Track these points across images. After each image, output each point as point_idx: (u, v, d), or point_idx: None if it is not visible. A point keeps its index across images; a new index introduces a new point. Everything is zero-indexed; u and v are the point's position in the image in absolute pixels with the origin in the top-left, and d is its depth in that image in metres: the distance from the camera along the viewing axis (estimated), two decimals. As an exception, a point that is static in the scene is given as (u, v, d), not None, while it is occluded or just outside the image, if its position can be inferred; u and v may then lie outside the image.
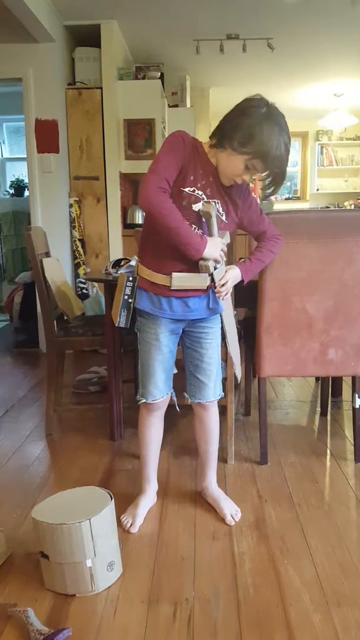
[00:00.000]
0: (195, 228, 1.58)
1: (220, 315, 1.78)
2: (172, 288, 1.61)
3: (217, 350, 1.79)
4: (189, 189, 1.56)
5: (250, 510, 1.86)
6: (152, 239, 1.63)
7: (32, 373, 3.65)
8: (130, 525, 1.76)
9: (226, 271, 1.66)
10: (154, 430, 1.84)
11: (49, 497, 1.60)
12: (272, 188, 1.57)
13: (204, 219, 1.58)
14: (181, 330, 1.75)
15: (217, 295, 1.66)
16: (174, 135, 1.57)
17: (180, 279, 1.60)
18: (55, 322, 2.59)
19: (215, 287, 1.65)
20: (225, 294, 1.68)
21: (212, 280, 1.63)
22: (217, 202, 1.61)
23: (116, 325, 1.72)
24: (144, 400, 1.78)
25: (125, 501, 1.89)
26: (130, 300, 1.70)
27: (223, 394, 1.86)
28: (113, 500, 1.52)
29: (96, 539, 1.43)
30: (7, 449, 2.44)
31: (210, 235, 1.59)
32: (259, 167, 1.52)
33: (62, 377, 2.83)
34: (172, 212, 1.49)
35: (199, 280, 1.62)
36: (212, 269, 1.58)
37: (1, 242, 5.92)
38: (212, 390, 1.80)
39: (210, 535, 1.71)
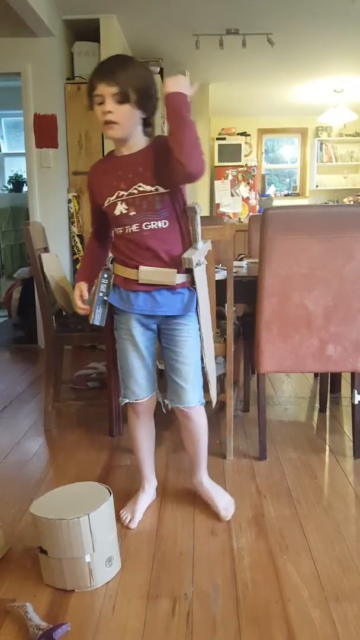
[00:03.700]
0: (134, 225, 1.57)
1: (198, 320, 1.68)
2: (139, 282, 1.59)
3: (193, 350, 1.68)
4: (107, 204, 1.59)
5: (249, 506, 1.86)
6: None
7: (30, 369, 3.64)
8: (129, 521, 1.76)
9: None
10: (143, 432, 1.82)
11: (47, 493, 1.60)
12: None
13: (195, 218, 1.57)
14: (155, 327, 1.70)
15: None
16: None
17: (147, 273, 1.58)
18: (53, 318, 2.58)
19: (194, 287, 1.63)
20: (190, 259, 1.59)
21: (192, 279, 1.61)
22: (139, 186, 1.54)
23: (90, 322, 1.68)
24: (127, 401, 1.74)
25: (124, 496, 1.89)
26: (105, 298, 1.68)
27: (204, 400, 1.74)
28: (112, 495, 1.52)
29: (95, 535, 1.43)
30: (6, 444, 2.44)
31: (194, 234, 1.59)
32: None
33: (61, 373, 2.82)
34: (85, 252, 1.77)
35: (164, 276, 1.58)
36: (192, 265, 1.56)
37: (-1, 237, 5.90)
38: (191, 394, 1.68)
39: (209, 530, 1.71)
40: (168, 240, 1.57)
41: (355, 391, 2.20)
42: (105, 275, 1.68)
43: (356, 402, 2.21)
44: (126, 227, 1.57)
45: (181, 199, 1.59)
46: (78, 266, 4.24)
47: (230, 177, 6.73)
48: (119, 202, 1.55)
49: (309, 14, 3.93)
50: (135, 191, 1.53)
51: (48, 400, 2.59)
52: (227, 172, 6.71)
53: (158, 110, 1.56)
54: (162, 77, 4.39)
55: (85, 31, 4.05)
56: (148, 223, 1.55)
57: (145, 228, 1.55)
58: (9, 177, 6.59)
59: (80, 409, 2.84)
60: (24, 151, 4.12)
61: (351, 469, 2.13)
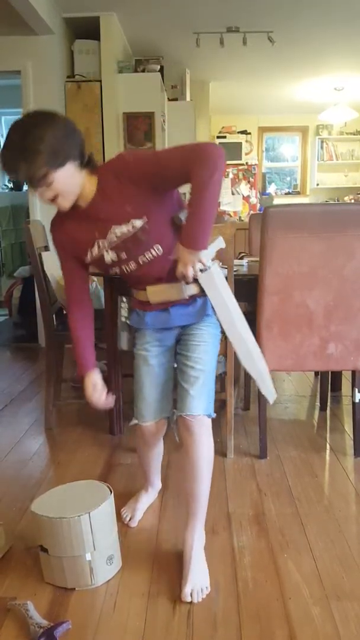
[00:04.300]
0: (132, 264, 1.47)
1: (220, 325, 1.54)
2: (151, 302, 1.51)
3: (205, 356, 1.53)
4: (91, 256, 1.48)
5: (250, 505, 1.86)
6: None
7: (31, 367, 3.64)
8: (130, 519, 1.76)
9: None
10: (151, 454, 1.76)
11: (48, 491, 1.60)
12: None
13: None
14: (173, 343, 1.60)
15: (182, 279, 1.41)
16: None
17: (155, 293, 1.50)
18: (54, 316, 2.58)
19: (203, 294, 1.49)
20: (189, 277, 1.40)
21: (200, 287, 1.47)
22: (114, 230, 1.42)
23: (118, 347, 1.68)
24: (135, 422, 1.63)
25: (124, 495, 1.89)
26: (128, 322, 1.63)
27: (214, 414, 1.53)
28: (112, 494, 1.52)
29: (95, 533, 1.43)
30: (7, 443, 2.44)
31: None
32: None
33: (62, 371, 2.82)
34: (72, 332, 1.59)
35: (174, 292, 1.48)
36: (189, 278, 1.39)
37: (0, 236, 5.90)
38: (195, 400, 1.48)
39: (210, 529, 1.71)
40: (168, 260, 1.46)
41: (356, 389, 2.20)
42: (125, 299, 1.64)
43: (357, 400, 2.21)
44: (123, 267, 1.49)
45: (169, 205, 1.45)
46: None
47: (230, 176, 6.72)
48: (104, 252, 1.46)
49: (310, 12, 3.93)
50: (114, 237, 1.42)
51: (49, 399, 2.59)
52: (227, 170, 6.70)
53: (84, 142, 1.41)
54: (162, 76, 4.39)
55: (85, 29, 4.05)
56: (142, 257, 1.45)
57: (142, 263, 1.46)
58: (9, 175, 6.57)
59: (81, 408, 2.84)
60: (24, 150, 4.10)
61: (352, 468, 2.13)
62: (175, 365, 1.61)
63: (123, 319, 1.65)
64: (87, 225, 1.44)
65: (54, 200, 1.37)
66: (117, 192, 1.39)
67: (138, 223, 1.40)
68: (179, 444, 1.56)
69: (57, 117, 1.35)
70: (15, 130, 1.30)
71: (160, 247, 1.44)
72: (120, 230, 1.41)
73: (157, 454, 1.79)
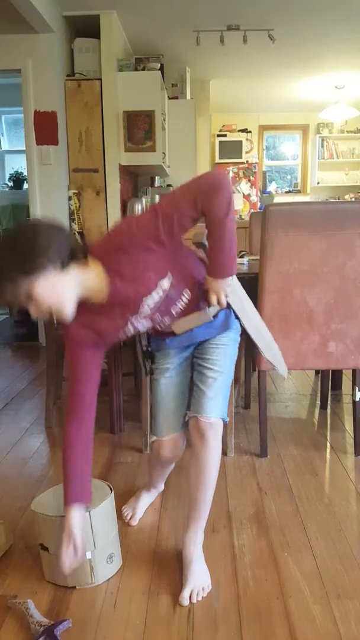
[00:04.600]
0: (166, 319, 1.40)
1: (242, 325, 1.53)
2: (177, 334, 1.44)
3: (224, 358, 1.49)
4: (124, 335, 1.38)
5: (250, 503, 1.86)
6: None
7: (31, 366, 3.64)
8: (131, 518, 1.76)
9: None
10: (161, 471, 1.74)
11: (48, 490, 1.60)
12: None
13: (202, 250, 1.40)
14: (192, 350, 1.55)
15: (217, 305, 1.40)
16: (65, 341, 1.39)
17: (182, 326, 1.41)
18: (54, 315, 2.58)
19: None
20: (224, 304, 1.41)
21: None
22: (144, 303, 1.33)
23: (145, 376, 1.63)
24: (154, 438, 1.54)
25: (125, 493, 1.89)
26: (150, 349, 1.57)
27: (227, 419, 1.49)
28: (113, 492, 1.52)
29: (96, 531, 1.43)
30: (7, 441, 2.44)
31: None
32: None
33: (62, 370, 2.82)
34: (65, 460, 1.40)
35: (200, 318, 1.40)
36: (224, 305, 1.40)
37: (0, 235, 5.89)
38: (211, 402, 1.43)
39: (210, 527, 1.71)
40: (197, 297, 1.41)
41: (357, 388, 2.20)
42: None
43: (357, 399, 2.21)
44: (157, 325, 1.42)
45: (182, 244, 1.36)
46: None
47: (231, 174, 6.72)
48: (138, 325, 1.39)
49: (310, 10, 3.92)
50: (148, 308, 1.34)
51: (49, 398, 2.60)
52: (228, 169, 6.71)
53: (75, 246, 1.24)
54: (162, 74, 4.39)
55: (85, 27, 4.05)
56: (175, 308, 1.39)
57: (176, 313, 1.40)
58: (10, 174, 6.57)
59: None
60: (24, 148, 4.11)
61: (352, 466, 2.13)
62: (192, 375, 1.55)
63: (144, 348, 1.57)
64: (115, 312, 1.34)
65: (49, 315, 1.24)
66: (133, 267, 1.27)
67: (166, 283, 1.32)
68: (187, 445, 1.54)
69: (19, 231, 1.20)
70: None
71: (188, 291, 1.38)
72: (152, 300, 1.33)
73: (168, 467, 1.76)
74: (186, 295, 1.38)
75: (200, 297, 1.41)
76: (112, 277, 1.27)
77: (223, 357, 1.49)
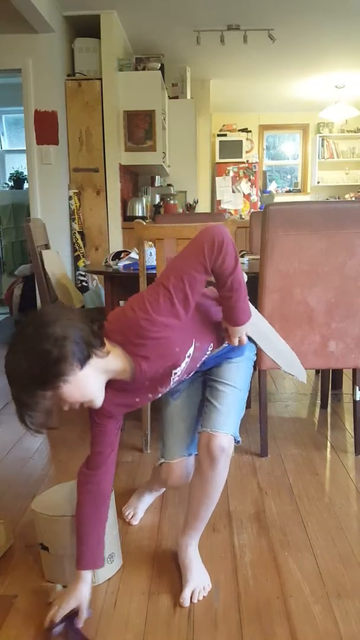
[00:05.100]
0: (192, 373, 1.40)
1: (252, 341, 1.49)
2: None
3: (238, 375, 1.44)
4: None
5: (251, 502, 1.86)
6: None
7: (32, 366, 3.64)
8: (132, 517, 1.76)
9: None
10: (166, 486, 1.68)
11: (49, 489, 1.60)
12: None
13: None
14: (203, 372, 1.50)
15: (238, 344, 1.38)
16: (93, 423, 1.38)
17: None
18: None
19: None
20: (244, 342, 1.38)
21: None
22: (174, 372, 1.30)
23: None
24: (162, 460, 1.50)
25: (125, 493, 1.89)
26: None
27: (240, 438, 1.40)
28: (113, 492, 1.52)
29: (96, 531, 1.43)
30: (7, 441, 2.44)
31: None
32: None
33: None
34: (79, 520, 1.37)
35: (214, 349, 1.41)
36: (245, 342, 1.39)
37: (0, 234, 5.90)
38: (223, 417, 1.37)
39: (211, 527, 1.71)
40: (218, 343, 1.40)
41: (357, 387, 2.20)
42: None
43: (357, 398, 2.20)
44: (181, 379, 1.38)
45: (197, 308, 1.31)
46: (79, 263, 4.24)
47: (231, 174, 6.72)
48: (167, 389, 1.37)
49: (311, 9, 3.92)
50: (177, 376, 1.32)
51: (49, 397, 2.59)
52: (228, 168, 6.71)
53: (96, 340, 1.16)
54: (162, 74, 4.39)
55: (85, 27, 4.05)
56: (200, 362, 1.38)
57: (199, 365, 1.39)
58: (10, 174, 6.58)
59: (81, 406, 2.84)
60: (24, 148, 4.12)
61: (352, 465, 2.13)
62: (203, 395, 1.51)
63: None
64: (145, 386, 1.30)
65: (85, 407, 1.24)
66: (158, 348, 1.22)
67: (191, 349, 1.29)
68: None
69: (28, 341, 1.13)
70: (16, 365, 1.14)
71: (212, 344, 1.37)
72: (181, 369, 1.30)
73: None
74: (209, 347, 1.37)
75: (223, 339, 1.39)
76: (137, 362, 1.23)
77: (236, 373, 1.45)
